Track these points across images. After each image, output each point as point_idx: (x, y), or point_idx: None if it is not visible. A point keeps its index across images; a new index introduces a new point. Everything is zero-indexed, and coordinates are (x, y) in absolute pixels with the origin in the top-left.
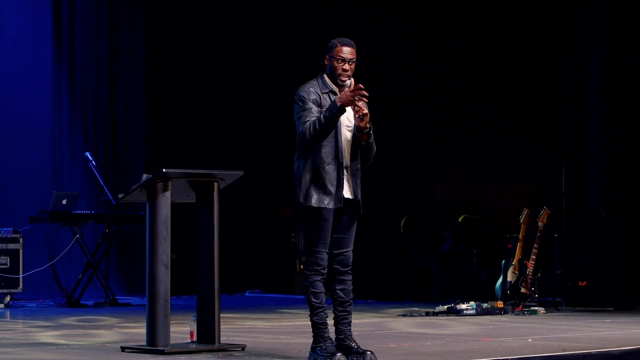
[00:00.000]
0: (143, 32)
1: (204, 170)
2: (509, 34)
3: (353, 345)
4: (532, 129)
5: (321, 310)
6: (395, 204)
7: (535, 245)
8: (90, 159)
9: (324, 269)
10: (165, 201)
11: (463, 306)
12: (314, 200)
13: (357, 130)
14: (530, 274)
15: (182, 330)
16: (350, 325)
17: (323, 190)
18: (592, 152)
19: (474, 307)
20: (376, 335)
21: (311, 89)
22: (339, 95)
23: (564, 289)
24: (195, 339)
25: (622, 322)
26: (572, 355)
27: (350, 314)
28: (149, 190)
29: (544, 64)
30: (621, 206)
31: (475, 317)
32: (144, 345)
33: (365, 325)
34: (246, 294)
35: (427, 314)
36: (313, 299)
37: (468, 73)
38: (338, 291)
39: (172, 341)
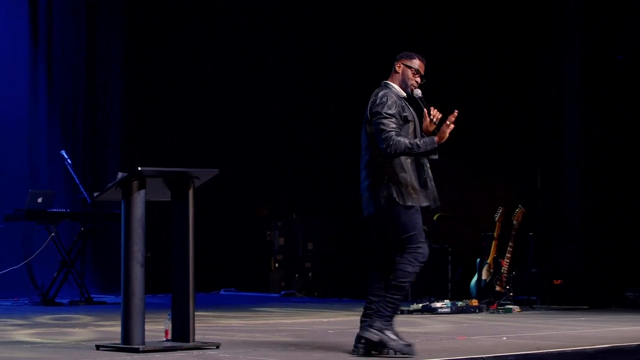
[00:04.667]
0: (121, 32)
1: (179, 169)
2: (485, 32)
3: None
4: (508, 128)
5: (403, 294)
6: None
7: (510, 244)
8: (66, 157)
9: (424, 259)
10: (140, 200)
11: (438, 304)
12: (417, 199)
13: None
14: (505, 272)
15: (157, 328)
16: None
17: (420, 188)
18: (569, 151)
19: (449, 305)
20: (352, 333)
21: (393, 98)
22: (426, 117)
23: (539, 287)
24: (170, 337)
25: (597, 320)
26: (546, 353)
27: None
28: (125, 188)
29: (520, 62)
30: (597, 205)
31: (450, 315)
32: (118, 344)
33: (341, 323)
34: (221, 292)
35: (402, 312)
36: (404, 283)
37: (442, 71)
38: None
39: (147, 339)
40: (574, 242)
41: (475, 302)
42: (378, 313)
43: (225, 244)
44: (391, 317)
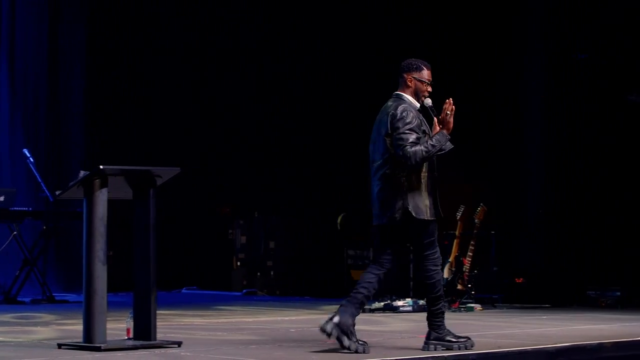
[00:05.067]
0: (84, 30)
1: (141, 167)
2: (449, 33)
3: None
4: (470, 127)
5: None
6: (332, 201)
7: (472, 242)
8: (28, 155)
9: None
10: (102, 198)
11: (400, 303)
12: (429, 212)
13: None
14: (467, 270)
15: (118, 327)
16: None
17: (430, 201)
18: (531, 150)
19: (411, 303)
20: (313, 332)
21: (412, 112)
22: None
23: (501, 286)
24: (131, 335)
25: (559, 319)
26: (508, 352)
27: None
28: (87, 187)
29: (484, 63)
30: (559, 204)
31: (412, 313)
32: (80, 342)
33: (302, 322)
34: (183, 290)
35: (364, 310)
36: (440, 292)
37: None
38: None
39: (108, 338)
40: (536, 240)
41: None
42: (431, 325)
43: (187, 243)
44: (443, 324)
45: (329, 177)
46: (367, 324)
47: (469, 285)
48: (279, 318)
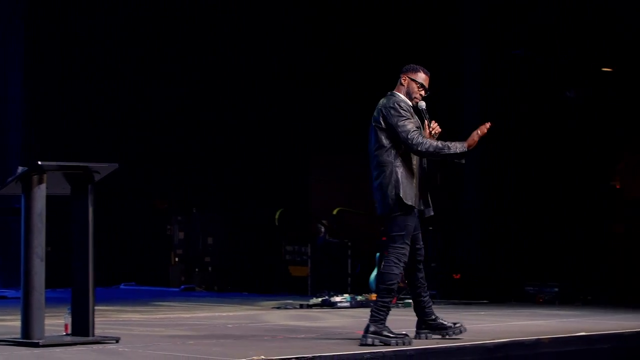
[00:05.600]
0: (21, 24)
1: (79, 163)
2: (387, 27)
3: (445, 322)
4: None
5: (392, 296)
6: (270, 196)
7: None
8: None
9: (406, 259)
10: (40, 194)
11: (337, 299)
12: (410, 199)
13: None
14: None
15: (56, 322)
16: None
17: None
18: None
19: (349, 299)
20: (251, 327)
21: (407, 106)
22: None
23: (439, 281)
24: (69, 331)
25: (497, 314)
26: (446, 348)
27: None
28: (24, 182)
29: (419, 56)
30: (497, 201)
31: (350, 309)
32: (18, 338)
33: (240, 317)
34: (121, 286)
35: (302, 306)
36: (395, 287)
37: (344, 67)
38: (420, 279)
39: (46, 334)
40: (474, 237)
41: (374, 297)
42: (372, 318)
43: (126, 239)
44: (384, 319)
45: (267, 173)
46: (305, 320)
47: (407, 281)
48: (217, 314)
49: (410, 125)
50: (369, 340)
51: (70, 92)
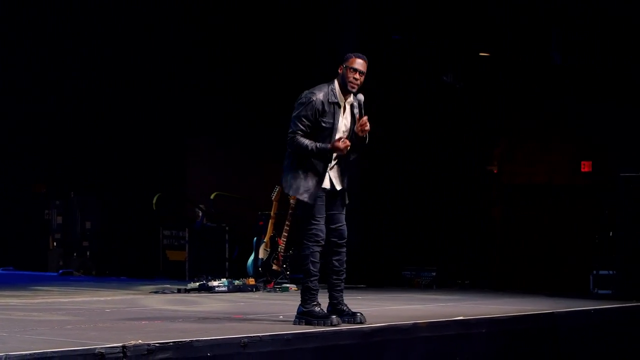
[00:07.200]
0: None
1: None
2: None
3: (345, 308)
4: (285, 107)
5: (316, 278)
6: (148, 181)
7: (287, 222)
8: None
9: (323, 240)
10: None
11: (215, 283)
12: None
13: (355, 136)
14: (282, 251)
15: None
16: (342, 292)
17: (312, 178)
18: None
19: (226, 284)
20: (128, 312)
21: (320, 97)
22: (334, 140)
23: None
24: None
25: (375, 299)
26: (321, 332)
27: (343, 282)
28: None
29: (297, 40)
30: (375, 185)
31: (227, 294)
32: None
33: (117, 302)
34: None
35: (179, 291)
36: (311, 267)
37: (220, 50)
38: (334, 261)
39: None
40: (351, 220)
41: (252, 281)
42: (301, 300)
43: (3, 223)
44: (311, 300)
45: (145, 157)
46: (183, 304)
47: (284, 266)
48: (95, 298)
49: (299, 125)
50: (296, 321)
51: None
